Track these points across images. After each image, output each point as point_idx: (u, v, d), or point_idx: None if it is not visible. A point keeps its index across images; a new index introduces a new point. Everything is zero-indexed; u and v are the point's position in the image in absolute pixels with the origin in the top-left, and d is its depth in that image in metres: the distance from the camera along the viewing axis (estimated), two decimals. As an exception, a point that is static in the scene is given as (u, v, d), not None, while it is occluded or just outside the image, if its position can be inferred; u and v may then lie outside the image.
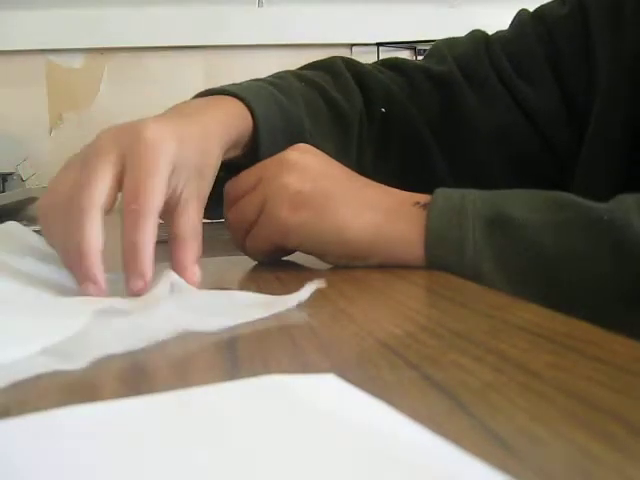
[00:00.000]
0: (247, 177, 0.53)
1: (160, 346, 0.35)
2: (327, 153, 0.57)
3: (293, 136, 0.58)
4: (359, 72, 0.70)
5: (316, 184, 0.50)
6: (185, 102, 0.56)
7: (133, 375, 0.29)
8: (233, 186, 0.53)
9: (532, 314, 0.36)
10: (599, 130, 0.65)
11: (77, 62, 1.41)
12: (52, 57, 1.40)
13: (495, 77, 0.71)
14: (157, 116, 0.49)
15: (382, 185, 0.53)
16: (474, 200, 0.48)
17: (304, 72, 0.68)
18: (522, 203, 0.47)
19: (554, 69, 0.70)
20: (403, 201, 0.50)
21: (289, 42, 1.40)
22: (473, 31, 0.76)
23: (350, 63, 0.71)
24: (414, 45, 1.87)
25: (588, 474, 0.18)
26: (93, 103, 1.42)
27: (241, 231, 0.52)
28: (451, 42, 0.76)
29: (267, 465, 0.18)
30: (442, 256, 0.47)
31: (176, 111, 0.52)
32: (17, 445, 0.20)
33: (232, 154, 0.54)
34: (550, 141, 0.72)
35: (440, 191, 0.50)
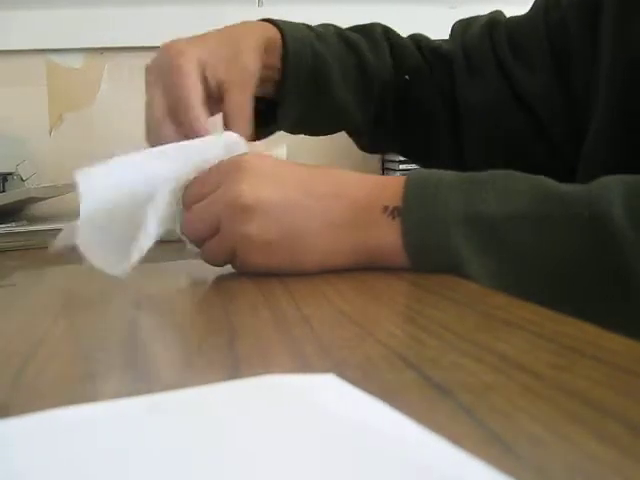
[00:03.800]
0: (206, 180, 0.52)
1: (160, 346, 0.35)
2: (350, 102, 0.72)
3: (318, 77, 0.70)
4: (394, 42, 0.77)
5: (281, 226, 0.48)
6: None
7: (133, 375, 0.29)
8: (193, 188, 0.53)
9: (532, 314, 0.36)
10: (602, 123, 0.63)
11: (77, 62, 1.41)
12: (52, 57, 1.40)
13: (493, 61, 0.75)
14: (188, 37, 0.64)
15: (341, 181, 0.50)
16: (446, 201, 0.46)
17: (344, 31, 0.76)
18: (498, 195, 0.46)
19: (558, 57, 0.71)
20: (370, 209, 0.48)
21: (289, 42, 1.40)
22: (492, 12, 0.80)
23: (388, 32, 0.78)
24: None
25: (588, 474, 0.18)
26: (93, 103, 1.41)
27: (197, 240, 0.52)
28: (468, 22, 0.80)
29: (267, 465, 0.18)
30: (427, 265, 0.46)
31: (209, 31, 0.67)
32: (17, 445, 0.20)
33: (266, 73, 0.66)
34: (544, 127, 0.72)
35: (409, 191, 0.47)
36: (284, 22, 0.71)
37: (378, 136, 0.79)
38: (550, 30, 0.72)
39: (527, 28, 0.74)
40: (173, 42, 0.63)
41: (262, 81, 0.67)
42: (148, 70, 0.63)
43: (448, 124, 0.77)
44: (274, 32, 0.69)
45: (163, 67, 0.62)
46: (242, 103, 0.63)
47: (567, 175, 0.72)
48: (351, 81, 0.73)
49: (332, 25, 0.76)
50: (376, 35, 0.77)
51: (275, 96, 0.69)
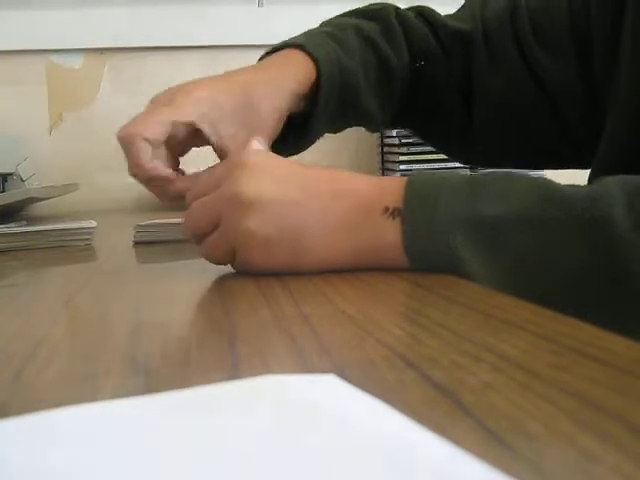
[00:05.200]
0: (206, 178, 0.52)
1: (160, 346, 0.35)
2: (373, 105, 0.72)
3: (346, 94, 0.69)
4: (407, 26, 0.76)
5: (281, 224, 0.48)
6: (260, 61, 0.70)
7: (133, 375, 0.29)
8: (195, 184, 0.53)
9: (532, 314, 0.36)
10: (621, 116, 0.63)
11: (77, 62, 1.41)
12: (52, 57, 1.40)
13: (514, 44, 0.73)
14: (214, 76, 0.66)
15: (342, 182, 0.50)
16: (447, 202, 0.46)
17: (360, 24, 0.74)
18: (498, 196, 0.46)
19: (579, 44, 0.70)
20: (371, 209, 0.48)
21: (289, 42, 1.40)
22: None
23: (400, 15, 0.77)
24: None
25: (588, 474, 0.18)
26: (93, 103, 1.42)
27: (197, 237, 0.52)
28: None
29: (267, 465, 0.18)
30: (427, 266, 0.46)
31: (242, 69, 0.68)
32: (17, 445, 0.20)
33: (298, 107, 0.66)
34: (563, 113, 0.72)
35: (410, 192, 0.47)
36: (312, 43, 0.68)
37: (393, 122, 0.80)
38: (573, 15, 0.71)
39: (550, 11, 0.73)
40: (184, 85, 0.64)
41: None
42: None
43: (461, 107, 0.76)
44: (306, 64, 0.67)
45: (159, 99, 0.63)
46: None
47: (578, 158, 0.72)
48: (373, 84, 0.73)
49: (348, 21, 0.75)
50: (390, 22, 0.75)
51: (304, 114, 0.69)
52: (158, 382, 0.28)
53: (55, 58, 1.40)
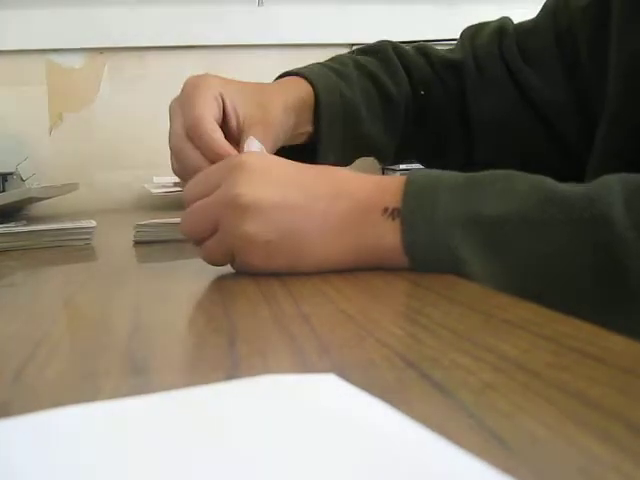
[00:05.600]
0: (204, 180, 0.52)
1: (160, 346, 0.35)
2: (378, 133, 0.74)
3: (349, 121, 0.72)
4: (405, 59, 0.79)
5: (280, 227, 0.48)
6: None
7: (133, 375, 0.29)
8: (193, 186, 0.53)
9: (532, 314, 0.36)
10: (611, 128, 0.63)
11: (77, 62, 1.41)
12: (52, 57, 1.40)
13: (503, 67, 0.75)
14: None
15: (341, 182, 0.50)
16: (446, 202, 0.46)
17: (359, 59, 0.77)
18: (498, 196, 0.45)
19: (567, 63, 0.71)
20: (370, 210, 0.48)
21: (289, 42, 1.40)
22: (501, 19, 0.80)
23: (397, 49, 0.80)
24: (413, 45, 1.86)
25: (588, 474, 0.18)
26: (93, 103, 1.41)
27: (196, 238, 0.52)
28: (477, 29, 0.81)
29: (267, 465, 0.18)
30: (427, 266, 0.46)
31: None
32: (17, 445, 0.20)
33: (303, 127, 0.69)
34: (558, 132, 0.73)
35: (409, 192, 0.47)
36: (311, 71, 0.72)
37: (401, 152, 0.82)
38: (559, 36, 0.72)
39: (536, 34, 0.75)
40: (196, 75, 0.64)
41: (299, 134, 0.69)
42: (171, 104, 0.63)
43: (460, 134, 0.78)
44: (305, 87, 0.70)
45: (182, 96, 0.62)
46: (263, 140, 0.62)
47: (581, 174, 0.73)
48: (377, 113, 0.75)
49: (348, 57, 0.78)
50: (389, 56, 0.78)
51: (311, 144, 0.71)
52: (158, 382, 0.28)
53: (55, 58, 1.40)
